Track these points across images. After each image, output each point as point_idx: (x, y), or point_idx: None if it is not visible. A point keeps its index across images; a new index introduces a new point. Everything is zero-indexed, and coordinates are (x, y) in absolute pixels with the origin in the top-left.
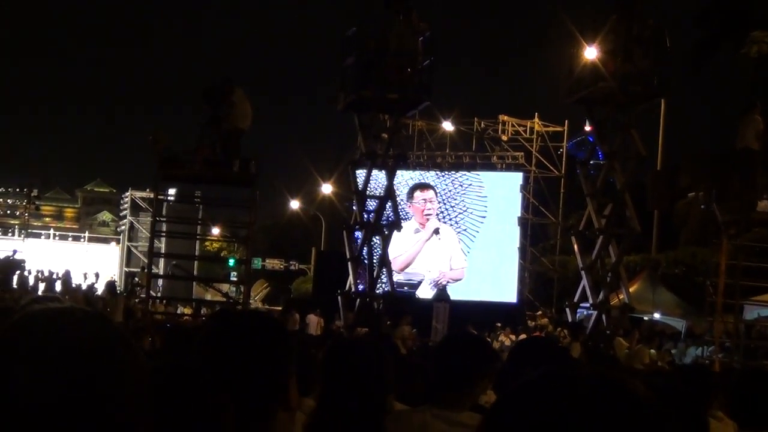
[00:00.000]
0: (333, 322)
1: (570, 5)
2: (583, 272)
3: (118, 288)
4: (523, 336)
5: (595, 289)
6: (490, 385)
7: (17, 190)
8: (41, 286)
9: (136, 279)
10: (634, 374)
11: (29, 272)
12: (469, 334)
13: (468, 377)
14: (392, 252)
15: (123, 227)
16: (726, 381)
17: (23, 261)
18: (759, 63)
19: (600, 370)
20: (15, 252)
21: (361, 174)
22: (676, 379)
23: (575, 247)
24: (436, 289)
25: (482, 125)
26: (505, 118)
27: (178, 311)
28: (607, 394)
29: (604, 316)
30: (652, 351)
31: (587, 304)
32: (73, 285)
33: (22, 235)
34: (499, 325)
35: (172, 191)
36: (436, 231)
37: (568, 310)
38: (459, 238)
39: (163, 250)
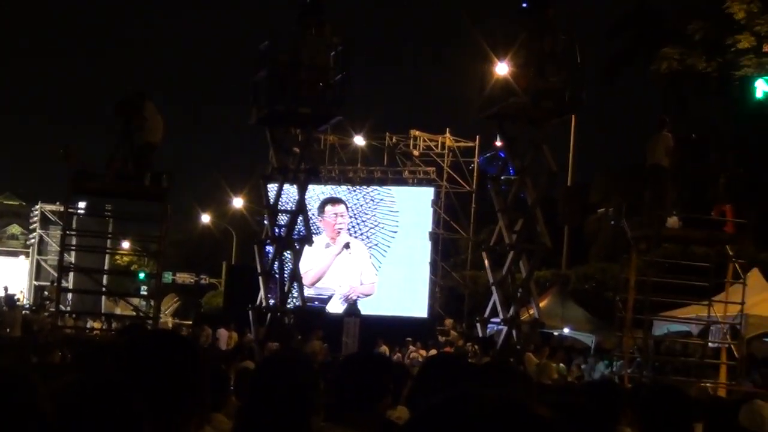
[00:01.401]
0: (244, 337)
1: (482, 20)
2: (493, 287)
3: (26, 302)
4: (433, 351)
5: (505, 305)
6: (392, 402)
7: None
8: None
9: (46, 293)
10: (543, 390)
11: None
12: (370, 353)
13: (368, 396)
14: (303, 266)
15: (32, 240)
16: (635, 397)
17: None
18: (669, 79)
19: (505, 393)
20: None
21: (272, 188)
22: (584, 395)
23: (486, 262)
24: (346, 304)
25: (394, 140)
26: (417, 133)
27: (88, 325)
28: (511, 418)
29: (514, 332)
30: (561, 365)
31: (498, 320)
32: None
33: None
34: (409, 339)
35: (82, 205)
36: (347, 245)
37: (478, 325)
38: (370, 252)
39: (73, 264)
